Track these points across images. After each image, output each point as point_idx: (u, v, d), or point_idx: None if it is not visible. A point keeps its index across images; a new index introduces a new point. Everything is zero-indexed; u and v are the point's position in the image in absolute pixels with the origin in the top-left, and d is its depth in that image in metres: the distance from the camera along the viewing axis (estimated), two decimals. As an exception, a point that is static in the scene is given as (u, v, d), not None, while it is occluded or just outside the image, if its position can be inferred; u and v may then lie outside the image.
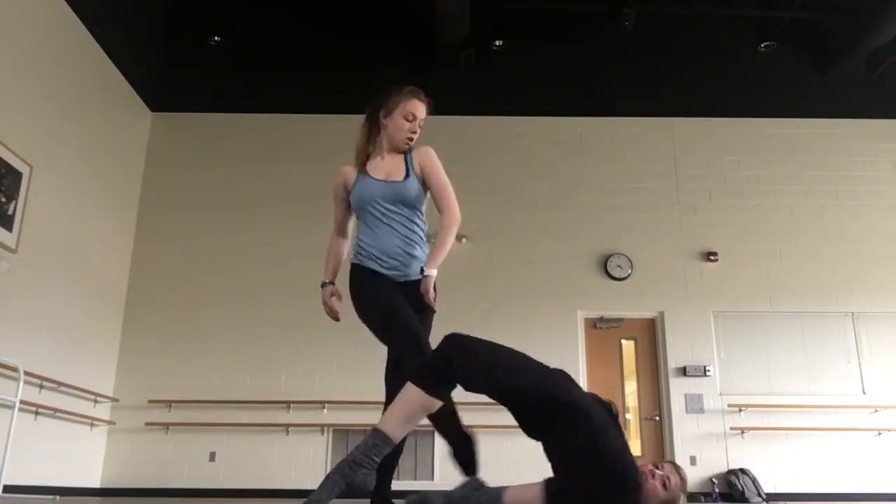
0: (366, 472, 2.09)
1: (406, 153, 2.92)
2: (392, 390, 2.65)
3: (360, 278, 2.80)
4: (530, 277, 8.33)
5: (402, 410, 2.14)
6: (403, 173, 2.86)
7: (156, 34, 7.61)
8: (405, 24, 7.55)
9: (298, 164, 8.63)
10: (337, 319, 2.95)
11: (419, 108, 2.89)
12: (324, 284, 2.99)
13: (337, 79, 8.31)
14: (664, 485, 2.52)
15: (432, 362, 2.16)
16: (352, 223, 3.08)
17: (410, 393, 2.13)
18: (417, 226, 2.88)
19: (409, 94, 2.89)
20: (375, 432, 2.13)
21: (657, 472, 2.51)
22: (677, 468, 2.57)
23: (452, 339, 2.18)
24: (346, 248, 3.08)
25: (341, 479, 2.08)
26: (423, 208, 2.93)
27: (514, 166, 8.78)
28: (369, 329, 2.74)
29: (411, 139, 2.88)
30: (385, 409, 2.51)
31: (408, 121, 2.86)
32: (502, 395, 2.17)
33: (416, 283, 2.72)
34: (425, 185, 2.88)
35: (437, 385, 2.12)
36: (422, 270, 2.70)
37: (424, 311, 2.77)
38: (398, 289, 2.75)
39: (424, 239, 2.92)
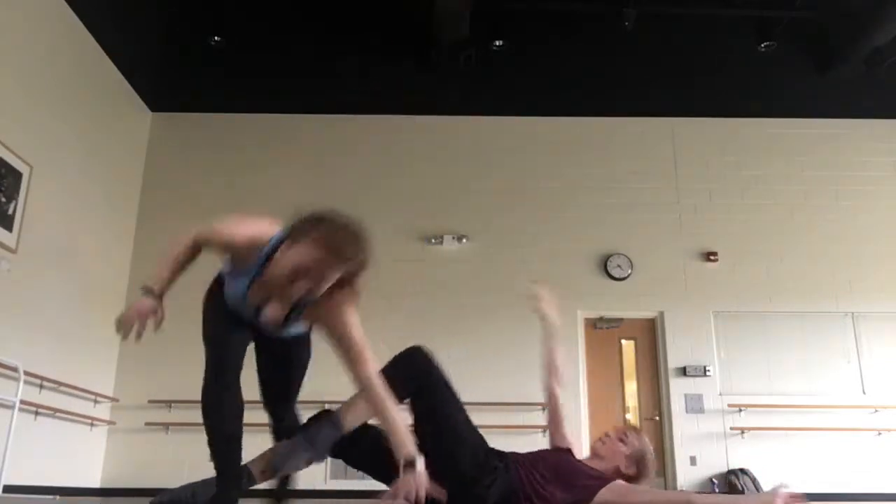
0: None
1: None
2: None
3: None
4: (530, 277, 8.30)
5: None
6: None
7: (156, 34, 7.61)
8: (405, 24, 7.54)
9: (299, 165, 8.61)
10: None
11: None
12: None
13: (337, 78, 8.30)
14: (622, 440, 2.66)
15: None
16: None
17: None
18: None
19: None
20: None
21: (606, 437, 2.73)
22: (635, 430, 2.80)
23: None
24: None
25: (199, 486, 2.32)
26: None
27: (514, 166, 8.77)
28: None
29: None
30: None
31: None
32: None
33: None
34: None
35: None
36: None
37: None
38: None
39: None
